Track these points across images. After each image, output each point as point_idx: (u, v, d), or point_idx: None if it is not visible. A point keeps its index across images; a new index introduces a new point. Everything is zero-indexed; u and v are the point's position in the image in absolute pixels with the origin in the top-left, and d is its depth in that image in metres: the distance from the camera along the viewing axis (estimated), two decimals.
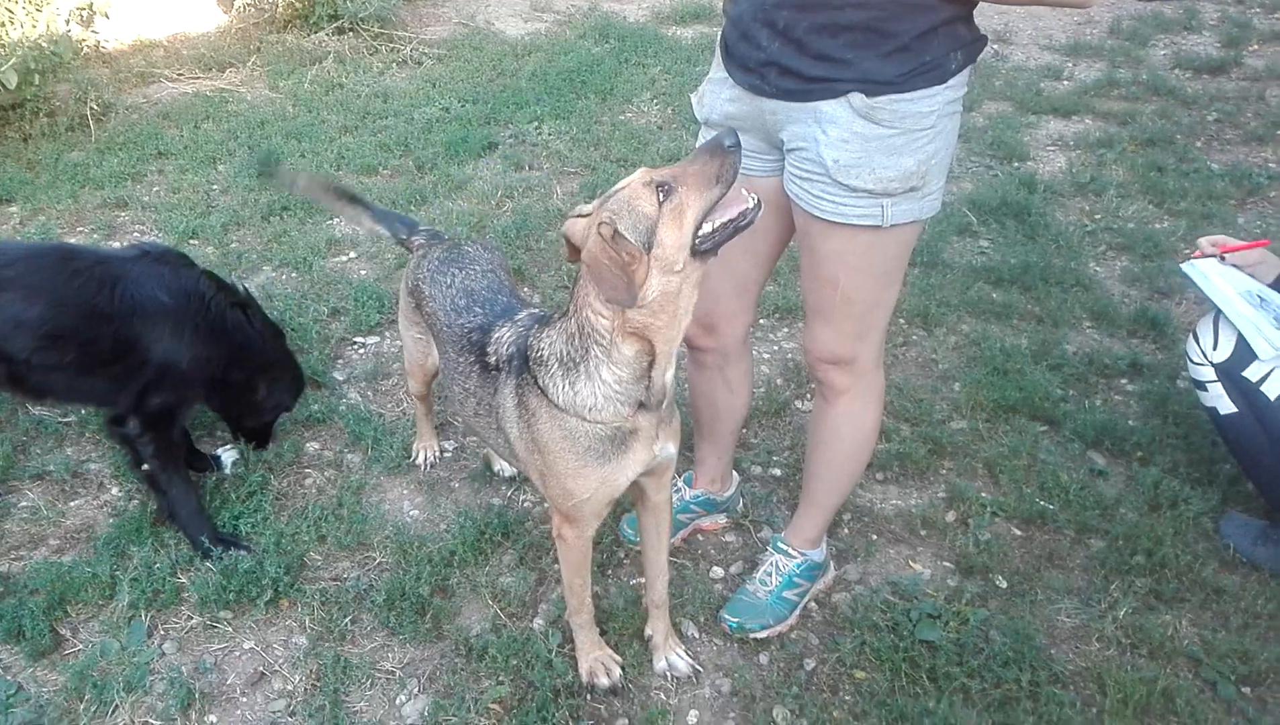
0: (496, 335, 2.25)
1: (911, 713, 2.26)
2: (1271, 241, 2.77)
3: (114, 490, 2.99)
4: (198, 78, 6.31)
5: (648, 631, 2.46)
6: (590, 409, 1.97)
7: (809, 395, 3.37)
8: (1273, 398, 2.55)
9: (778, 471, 3.09)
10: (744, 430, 3.14)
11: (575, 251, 1.93)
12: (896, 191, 2.00)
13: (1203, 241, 2.80)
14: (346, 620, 2.54)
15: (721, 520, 2.87)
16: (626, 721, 2.30)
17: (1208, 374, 2.66)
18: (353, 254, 4.32)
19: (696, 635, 2.52)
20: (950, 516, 2.89)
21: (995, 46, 6.71)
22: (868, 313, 2.20)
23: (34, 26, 5.62)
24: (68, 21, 5.95)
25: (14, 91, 5.11)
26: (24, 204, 4.68)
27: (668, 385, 2.01)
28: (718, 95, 2.21)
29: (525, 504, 2.95)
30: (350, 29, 6.92)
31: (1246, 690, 2.35)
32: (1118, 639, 2.47)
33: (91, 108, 5.52)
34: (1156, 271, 4.10)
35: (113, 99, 5.79)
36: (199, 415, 3.22)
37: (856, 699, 2.33)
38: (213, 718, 2.32)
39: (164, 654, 2.47)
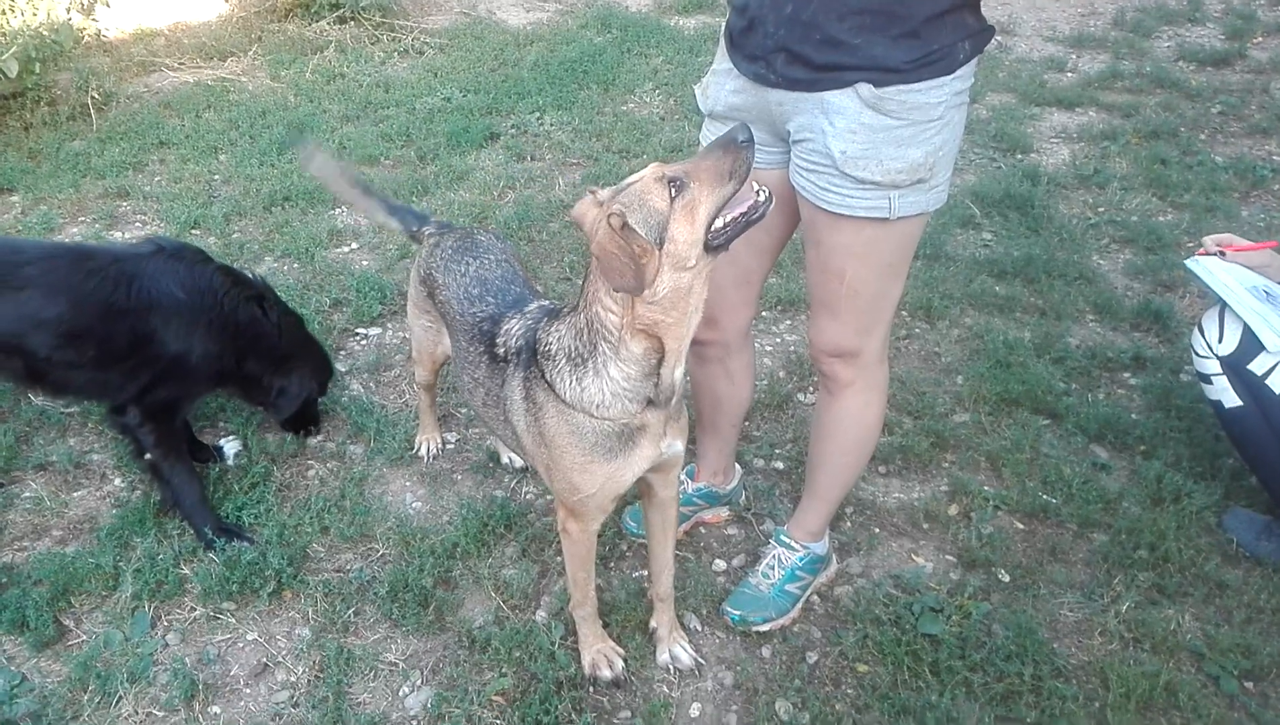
0: (506, 326, 2.25)
1: (914, 706, 2.26)
2: (1279, 242, 2.76)
3: (117, 481, 2.99)
4: (199, 67, 6.29)
5: (652, 624, 2.46)
6: (598, 406, 1.96)
7: (811, 388, 3.37)
8: (1278, 391, 2.54)
9: (780, 464, 3.09)
10: (746, 423, 3.13)
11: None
12: (904, 183, 1.99)
13: (1208, 240, 2.79)
14: (349, 612, 2.54)
15: (724, 513, 2.87)
16: (629, 714, 2.30)
17: (1213, 367, 2.65)
18: (354, 245, 4.31)
19: (699, 628, 2.52)
20: (953, 510, 2.88)
21: (999, 38, 6.67)
22: (873, 306, 2.20)
23: (35, 15, 5.60)
24: (68, 10, 5.92)
25: (15, 80, 5.10)
26: (25, 193, 4.67)
27: (677, 383, 2.00)
28: (722, 86, 2.20)
29: (528, 496, 2.95)
30: (351, 18, 6.90)
31: (1249, 685, 2.36)
32: (1120, 633, 2.48)
33: (93, 96, 5.51)
34: (1160, 264, 4.09)
35: (114, 88, 5.78)
36: (203, 406, 3.22)
37: (859, 692, 2.33)
38: (216, 709, 2.32)
39: (167, 645, 2.47)
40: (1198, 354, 2.70)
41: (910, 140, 1.96)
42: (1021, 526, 2.83)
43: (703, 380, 2.65)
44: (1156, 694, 2.29)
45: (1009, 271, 4.04)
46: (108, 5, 6.25)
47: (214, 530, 2.70)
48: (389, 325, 3.75)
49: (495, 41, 6.74)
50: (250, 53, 6.49)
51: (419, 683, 2.37)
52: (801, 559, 2.55)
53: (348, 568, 2.69)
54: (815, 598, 2.60)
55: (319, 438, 3.17)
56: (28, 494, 2.94)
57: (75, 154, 5.01)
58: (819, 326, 2.28)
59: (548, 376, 2.01)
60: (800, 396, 3.39)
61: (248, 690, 2.37)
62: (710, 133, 2.25)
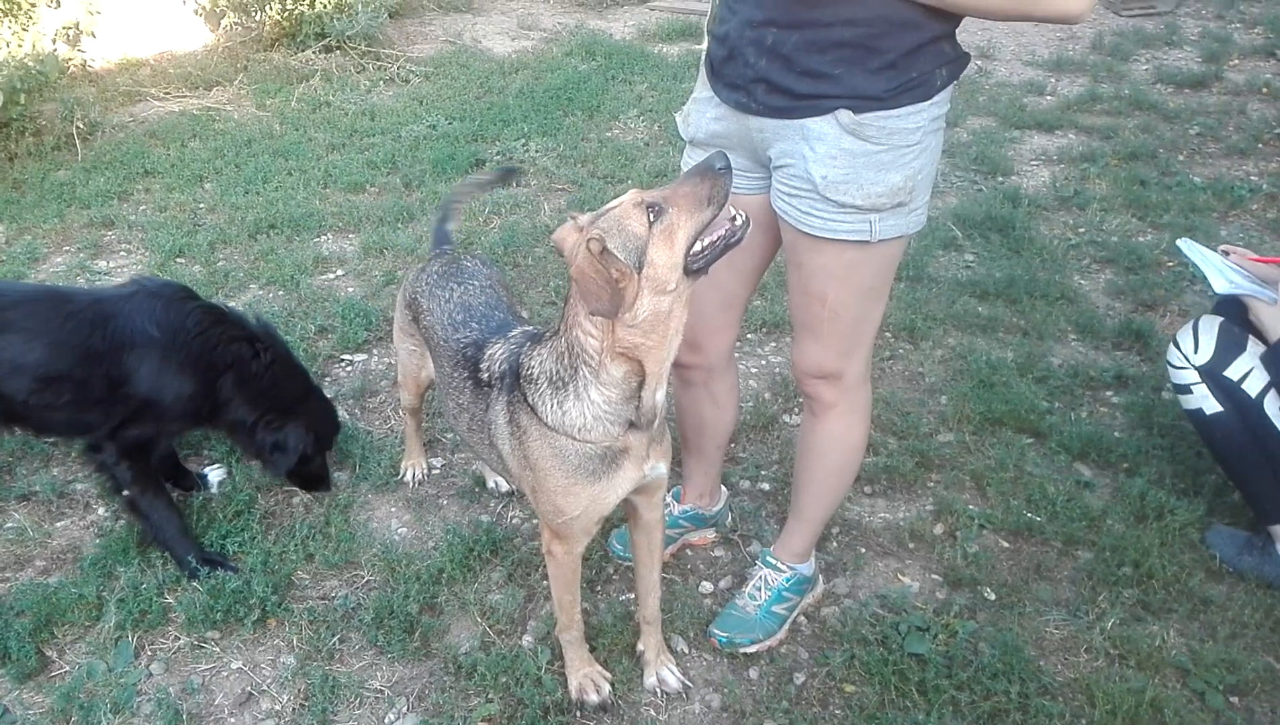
0: (490, 351, 2.26)
1: None
2: None
3: (100, 510, 2.98)
4: (184, 96, 6.32)
5: (639, 647, 2.45)
6: (579, 429, 1.98)
7: (797, 409, 3.38)
8: (1254, 394, 2.59)
9: (766, 485, 3.10)
10: (732, 445, 3.15)
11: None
12: (884, 207, 2.01)
13: (1222, 248, 2.89)
14: (335, 639, 2.53)
15: (710, 535, 2.88)
16: None
17: (1191, 377, 2.69)
18: (340, 271, 4.32)
19: (686, 650, 2.52)
20: (938, 529, 2.90)
21: (979, 62, 6.77)
22: (855, 328, 2.22)
23: (20, 46, 5.62)
24: (54, 41, 5.95)
25: (0, 111, 5.10)
26: (10, 223, 4.67)
27: (659, 405, 2.02)
28: (703, 114, 2.23)
29: (514, 520, 2.94)
30: (337, 47, 6.94)
31: (1234, 700, 2.36)
32: (1106, 650, 2.48)
33: (78, 126, 5.52)
34: (1140, 284, 4.13)
35: (99, 118, 5.79)
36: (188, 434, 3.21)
37: (846, 713, 2.33)
38: None
39: (151, 675, 2.45)
40: (1174, 366, 2.74)
41: (890, 165, 1.98)
42: (1006, 545, 2.84)
43: (687, 404, 2.66)
44: (1142, 710, 2.29)
45: (991, 292, 4.08)
46: (93, 36, 6.28)
47: (197, 559, 2.68)
48: (374, 351, 3.75)
49: (480, 69, 6.79)
50: (236, 82, 6.53)
51: (405, 710, 2.36)
52: (788, 580, 2.55)
53: (333, 595, 2.68)
54: (802, 618, 2.60)
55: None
56: (10, 524, 2.92)
57: (60, 184, 5.02)
58: (802, 349, 2.29)
59: (530, 400, 2.03)
60: (786, 418, 3.41)
61: (232, 720, 2.35)
62: (692, 159, 2.27)
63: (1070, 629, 2.55)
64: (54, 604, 2.59)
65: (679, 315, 1.92)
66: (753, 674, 2.45)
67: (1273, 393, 2.59)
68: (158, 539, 2.73)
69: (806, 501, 2.52)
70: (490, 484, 3.05)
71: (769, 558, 2.59)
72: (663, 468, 2.15)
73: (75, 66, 6.26)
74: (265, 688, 2.42)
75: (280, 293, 4.12)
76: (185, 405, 2.71)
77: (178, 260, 4.36)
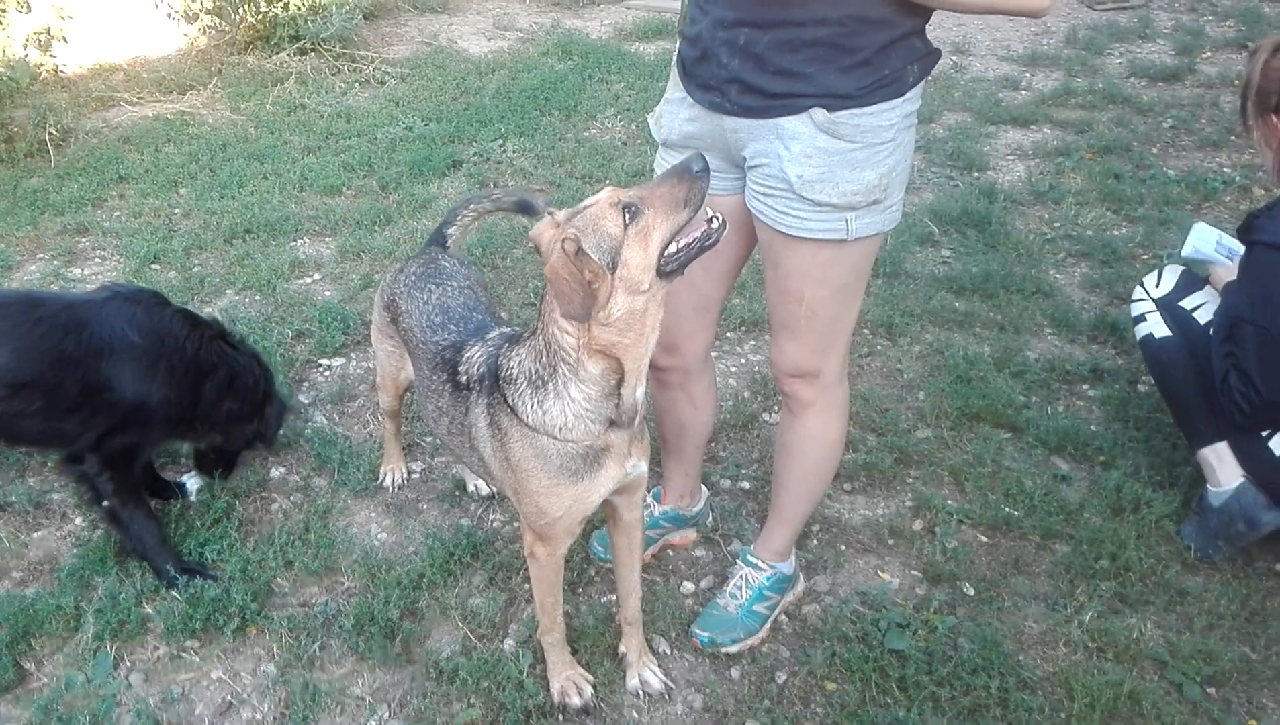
0: (468, 354, 2.26)
1: (883, 722, 2.28)
2: None
3: (77, 521, 2.95)
4: (158, 101, 6.26)
5: (621, 649, 2.45)
6: (560, 428, 1.98)
7: (776, 407, 3.39)
8: (1202, 322, 2.79)
9: (746, 484, 3.11)
10: (712, 444, 3.15)
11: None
12: (860, 205, 2.03)
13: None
14: (315, 646, 2.52)
15: (691, 535, 2.88)
16: None
17: (1148, 307, 2.94)
18: (317, 275, 4.29)
19: (668, 651, 2.52)
20: (917, 525, 2.91)
21: (954, 58, 6.79)
22: (832, 326, 2.23)
23: None
24: (25, 46, 5.88)
25: None
26: None
27: (638, 402, 2.02)
28: (676, 115, 2.23)
29: (495, 524, 2.94)
30: (312, 49, 6.89)
31: (1211, 691, 2.39)
32: (1084, 643, 2.50)
33: (50, 133, 5.45)
34: (1115, 277, 4.17)
35: (72, 124, 5.73)
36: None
37: (828, 710, 2.34)
38: None
39: (130, 685, 2.43)
40: (1135, 300, 2.99)
41: (864, 162, 1.99)
42: (985, 540, 2.86)
43: (665, 406, 2.66)
44: (1121, 703, 2.32)
45: (968, 287, 4.10)
46: (64, 40, 6.21)
47: (176, 568, 2.66)
48: (352, 355, 3.74)
49: (457, 70, 6.77)
50: (210, 86, 6.47)
51: (386, 716, 2.35)
52: (769, 579, 2.56)
53: (313, 602, 2.67)
54: (783, 617, 2.61)
55: (282, 471, 3.14)
56: None
57: (33, 191, 4.96)
58: (780, 347, 2.30)
59: (510, 401, 2.03)
60: (765, 416, 3.41)
61: None
62: (665, 161, 2.27)
63: (1048, 623, 2.57)
64: (31, 616, 2.56)
65: (655, 313, 1.93)
66: (734, 673, 2.46)
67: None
68: (137, 550, 2.71)
69: (786, 500, 2.53)
70: (471, 487, 3.04)
71: (750, 556, 2.60)
72: (643, 466, 2.16)
73: (47, 72, 6.18)
74: (246, 697, 2.41)
75: (257, 298, 4.09)
76: (172, 411, 2.70)
77: (153, 266, 4.32)
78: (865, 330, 3.83)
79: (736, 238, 2.26)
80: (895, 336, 3.83)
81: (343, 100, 6.28)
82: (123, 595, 2.64)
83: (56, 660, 2.50)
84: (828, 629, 2.54)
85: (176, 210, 4.86)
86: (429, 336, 2.42)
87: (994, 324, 3.88)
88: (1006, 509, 2.92)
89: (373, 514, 2.99)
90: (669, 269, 1.89)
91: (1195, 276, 2.92)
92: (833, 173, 2.00)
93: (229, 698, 2.40)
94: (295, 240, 4.54)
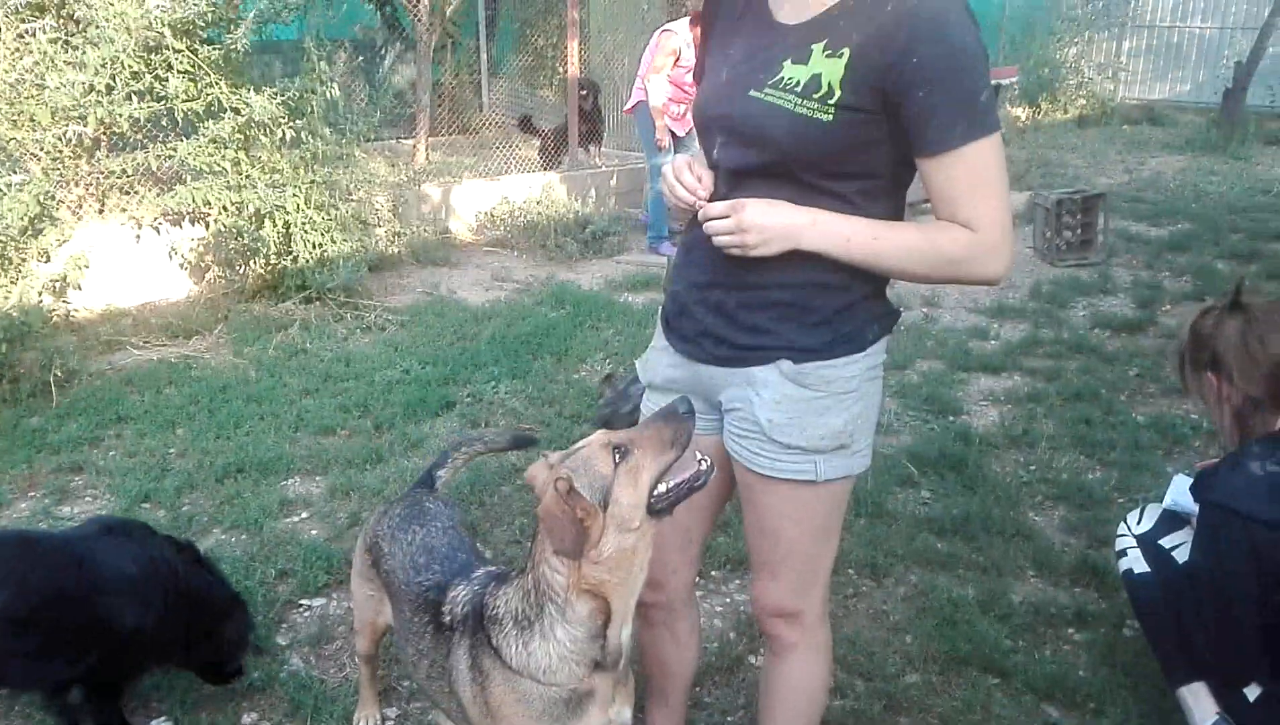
0: (452, 594, 2.27)
1: None
2: None
3: None
4: (164, 345, 6.50)
5: None
6: (544, 671, 1.98)
7: (762, 649, 3.35)
8: (1180, 562, 2.82)
9: None
10: (697, 689, 3.09)
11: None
12: (826, 448, 2.13)
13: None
14: None
15: None
16: None
17: (1129, 543, 3.01)
18: (305, 513, 4.33)
19: None
20: None
21: (924, 310, 7.16)
22: (810, 564, 2.28)
23: (6, 298, 5.83)
24: (40, 292, 6.17)
25: None
26: None
27: (625, 644, 2.04)
28: (659, 361, 2.38)
29: None
30: (318, 298, 7.22)
31: None
32: None
33: (55, 374, 5.59)
34: (1093, 520, 4.22)
35: (78, 365, 5.91)
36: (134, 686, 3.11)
37: None
38: None
39: None
40: (1118, 535, 3.07)
41: (830, 409, 2.11)
42: None
43: (649, 644, 2.65)
44: None
45: (949, 529, 4.15)
46: (79, 288, 6.52)
47: None
48: (334, 594, 3.71)
49: (455, 318, 7.09)
50: (216, 331, 6.74)
51: None
52: None
53: None
54: None
55: (255, 716, 3.05)
56: None
57: (32, 430, 5.07)
58: (761, 587, 2.34)
59: (494, 642, 2.03)
60: (751, 659, 3.37)
61: None
62: (652, 402, 2.40)
63: None
64: None
65: (644, 553, 1.98)
66: None
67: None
68: None
69: None
70: None
71: None
72: (628, 713, 2.13)
73: (58, 316, 6.45)
74: None
75: (243, 537, 4.11)
76: (169, 634, 2.72)
77: (143, 505, 4.36)
78: (850, 570, 3.84)
79: (718, 476, 2.34)
80: (880, 577, 3.84)
81: (344, 345, 6.54)
82: None
83: None
84: None
85: (172, 450, 4.95)
86: (412, 578, 2.43)
87: (977, 566, 3.90)
88: None
89: None
90: (659, 508, 1.97)
91: (1177, 515, 2.98)
92: (800, 418, 2.11)
93: None
94: (286, 479, 4.61)
